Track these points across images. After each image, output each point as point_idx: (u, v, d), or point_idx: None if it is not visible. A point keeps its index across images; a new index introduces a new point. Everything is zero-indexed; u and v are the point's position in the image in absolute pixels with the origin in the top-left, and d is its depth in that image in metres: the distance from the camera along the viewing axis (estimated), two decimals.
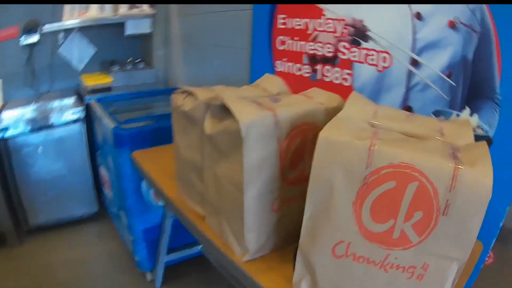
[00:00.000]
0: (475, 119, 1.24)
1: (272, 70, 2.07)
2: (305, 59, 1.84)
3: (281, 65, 2.00)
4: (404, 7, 1.36)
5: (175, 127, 1.42)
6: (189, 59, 3.12)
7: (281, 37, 1.97)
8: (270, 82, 1.37)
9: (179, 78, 3.33)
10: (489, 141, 1.20)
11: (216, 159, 1.13)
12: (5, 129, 2.71)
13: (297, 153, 1.08)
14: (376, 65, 1.50)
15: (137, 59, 3.58)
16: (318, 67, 1.76)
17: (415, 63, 1.37)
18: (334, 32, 1.64)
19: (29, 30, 3.04)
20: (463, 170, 0.68)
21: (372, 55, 1.50)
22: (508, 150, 1.18)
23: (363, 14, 1.52)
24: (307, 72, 1.84)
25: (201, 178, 1.28)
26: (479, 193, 0.67)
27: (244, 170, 0.98)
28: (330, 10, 1.63)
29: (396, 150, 0.73)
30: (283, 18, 1.92)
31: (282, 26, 1.94)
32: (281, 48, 1.98)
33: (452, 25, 1.25)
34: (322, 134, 0.79)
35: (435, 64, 1.32)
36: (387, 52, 1.45)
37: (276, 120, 0.99)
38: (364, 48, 1.53)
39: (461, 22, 1.23)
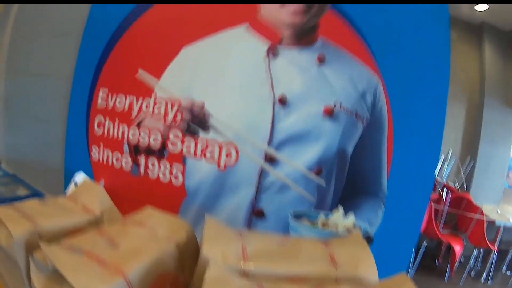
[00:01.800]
0: (351, 219, 1.00)
1: (88, 157, 1.55)
2: (125, 148, 1.37)
3: (98, 152, 1.50)
4: (265, 89, 1.05)
5: None
6: (11, 128, 2.55)
7: (99, 117, 1.49)
8: (90, 195, 1.06)
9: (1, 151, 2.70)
10: (369, 239, 1.02)
11: None
12: None
13: None
14: (216, 162, 1.11)
15: None
16: (142, 159, 1.31)
17: (272, 159, 1.05)
18: (165, 116, 1.22)
19: None
20: None
21: (213, 148, 1.11)
22: (392, 249, 1.02)
23: (205, 95, 1.15)
24: (128, 164, 1.37)
25: None
26: None
27: None
28: (163, 87, 1.23)
29: None
30: (105, 93, 1.46)
31: (102, 104, 1.47)
32: (99, 131, 1.49)
33: (329, 112, 1.01)
34: None
35: (300, 159, 1.04)
36: (233, 145, 1.09)
37: (129, 284, 0.68)
38: (202, 140, 1.14)
39: (342, 108, 1.00)
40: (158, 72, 1.26)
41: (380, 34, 1.06)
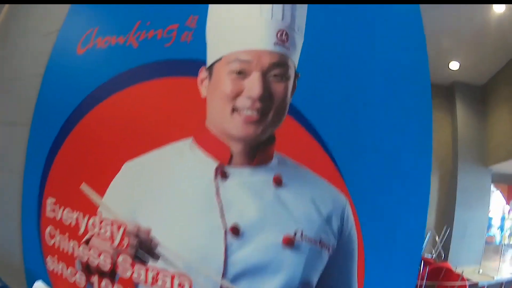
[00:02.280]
0: None
1: (44, 267, 1.40)
2: (77, 265, 1.24)
3: (53, 264, 1.37)
4: (215, 217, 0.94)
5: None
6: None
7: (51, 228, 1.36)
8: None
9: None
10: None
11: None
12: None
13: None
14: None
15: None
16: (94, 278, 1.18)
17: None
18: (112, 239, 1.10)
19: None
20: None
21: (164, 278, 0.99)
22: None
23: (151, 220, 1.02)
24: (82, 281, 1.23)
25: None
26: None
27: None
28: (107, 207, 1.10)
29: None
30: (53, 203, 1.34)
31: (51, 214, 1.34)
32: (51, 242, 1.36)
33: (289, 243, 0.89)
34: None
35: None
36: (185, 276, 0.96)
37: None
38: (152, 268, 1.01)
39: (304, 237, 0.89)
40: (101, 188, 1.14)
41: (346, 144, 0.96)
